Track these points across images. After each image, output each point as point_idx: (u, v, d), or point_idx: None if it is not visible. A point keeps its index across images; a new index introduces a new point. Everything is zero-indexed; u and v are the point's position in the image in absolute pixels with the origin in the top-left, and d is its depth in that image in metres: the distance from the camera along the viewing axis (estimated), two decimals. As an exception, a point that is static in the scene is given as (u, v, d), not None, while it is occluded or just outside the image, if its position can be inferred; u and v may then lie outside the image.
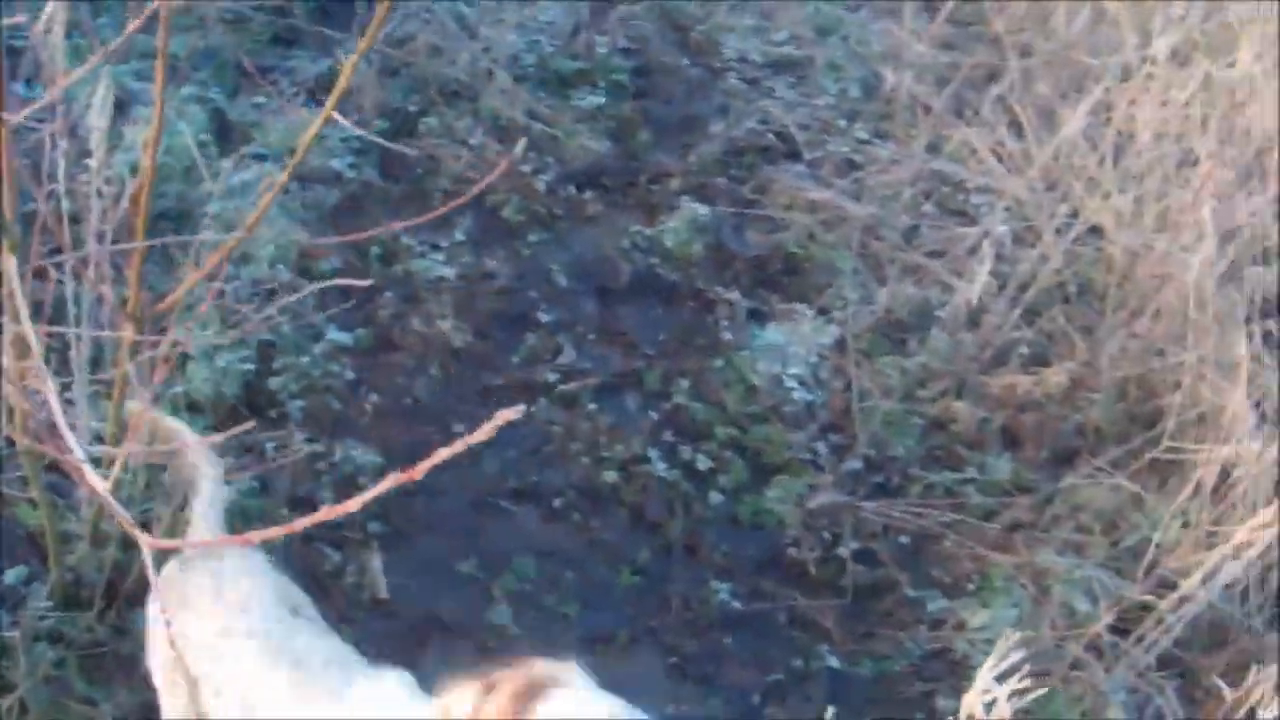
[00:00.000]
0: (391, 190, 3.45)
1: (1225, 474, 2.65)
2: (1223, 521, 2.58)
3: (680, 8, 4.43)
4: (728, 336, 3.23)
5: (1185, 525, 2.66)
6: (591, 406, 2.95)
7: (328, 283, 2.40)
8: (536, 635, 2.39)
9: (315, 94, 3.56)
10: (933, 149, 3.86)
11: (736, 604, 2.61)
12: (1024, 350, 3.24)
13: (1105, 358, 3.19)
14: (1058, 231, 3.38)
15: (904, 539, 2.82)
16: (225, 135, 3.36)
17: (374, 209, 3.33)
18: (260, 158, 3.27)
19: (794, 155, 3.87)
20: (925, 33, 4.33)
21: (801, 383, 3.13)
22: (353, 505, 0.90)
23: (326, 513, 0.92)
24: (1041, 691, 1.57)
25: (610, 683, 1.28)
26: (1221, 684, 2.15)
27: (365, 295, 2.96)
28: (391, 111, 3.66)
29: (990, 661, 1.52)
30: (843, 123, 4.05)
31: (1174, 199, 3.34)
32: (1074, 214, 3.48)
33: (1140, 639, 2.48)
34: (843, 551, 2.73)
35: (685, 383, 3.07)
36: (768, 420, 3.01)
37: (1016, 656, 1.50)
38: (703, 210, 3.54)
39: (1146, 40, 3.72)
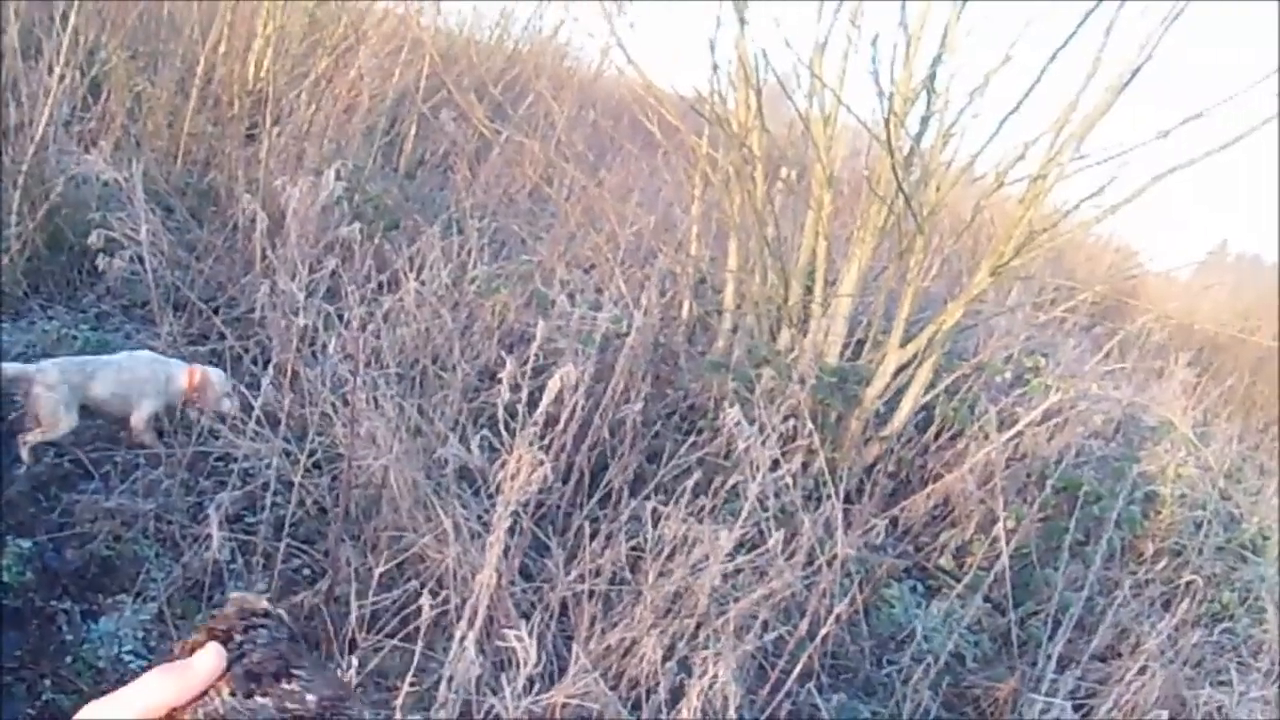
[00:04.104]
0: None
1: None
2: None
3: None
4: (69, 638, 3.70)
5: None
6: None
7: None
8: None
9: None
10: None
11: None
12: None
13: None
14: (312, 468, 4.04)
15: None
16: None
17: None
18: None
19: (89, 475, 4.34)
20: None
21: (135, 654, 3.66)
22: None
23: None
24: None
25: None
26: None
27: None
28: None
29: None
30: (123, 433, 4.53)
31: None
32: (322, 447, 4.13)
33: None
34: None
35: (48, 683, 3.52)
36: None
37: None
38: (25, 544, 3.92)
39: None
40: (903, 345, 5.18)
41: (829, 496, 4.10)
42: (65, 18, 5.40)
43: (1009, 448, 5.51)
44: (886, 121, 4.97)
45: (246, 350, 4.82)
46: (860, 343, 5.62)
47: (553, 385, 3.30)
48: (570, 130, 7.58)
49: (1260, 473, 8.42)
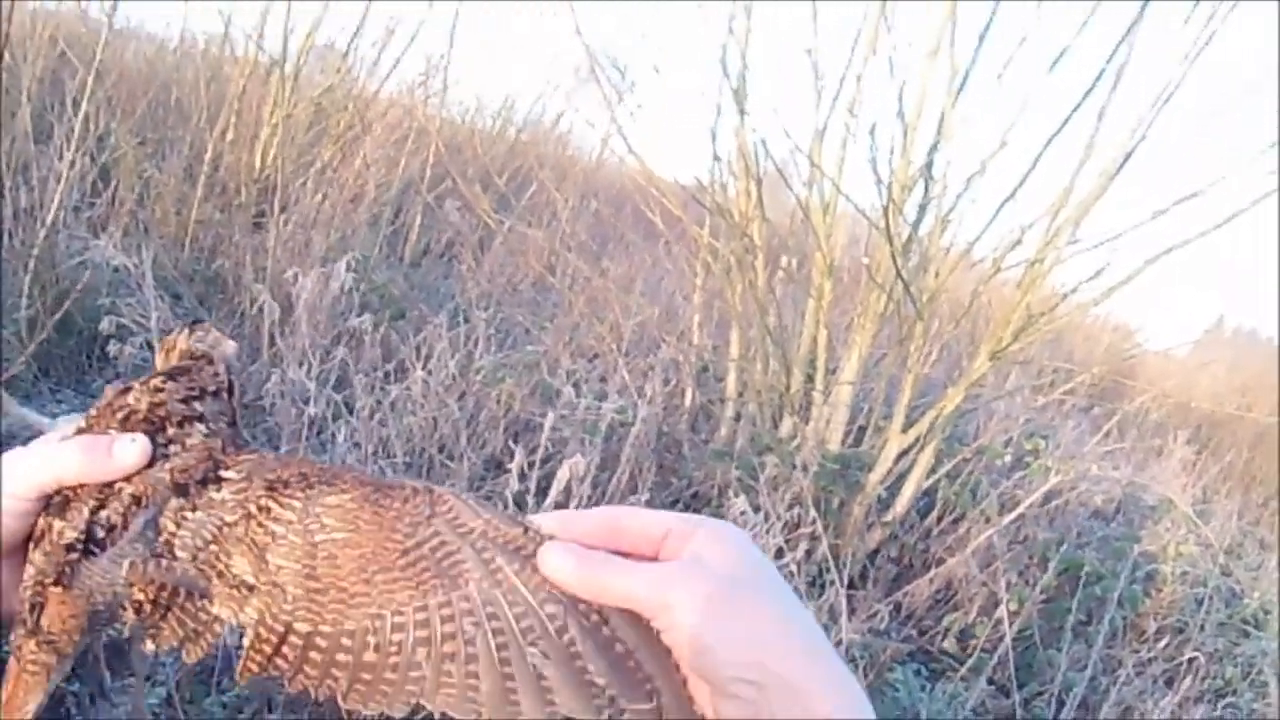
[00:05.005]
0: None
1: None
2: None
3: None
4: None
5: None
6: None
7: None
8: None
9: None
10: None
11: None
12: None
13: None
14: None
15: None
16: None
17: None
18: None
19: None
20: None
21: (141, 739, 4.00)
22: None
23: None
24: None
25: None
26: None
27: None
28: None
29: None
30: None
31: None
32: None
33: None
34: None
35: (54, 768, 3.86)
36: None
37: None
38: (32, 628, 4.34)
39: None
40: (904, 431, 5.22)
41: (833, 583, 4.11)
42: (76, 103, 5.50)
43: (1010, 530, 5.53)
44: (885, 209, 5.04)
45: (254, 438, 4.87)
46: (862, 429, 5.66)
47: (561, 475, 3.34)
48: (573, 220, 7.70)
49: (1261, 547, 8.42)
